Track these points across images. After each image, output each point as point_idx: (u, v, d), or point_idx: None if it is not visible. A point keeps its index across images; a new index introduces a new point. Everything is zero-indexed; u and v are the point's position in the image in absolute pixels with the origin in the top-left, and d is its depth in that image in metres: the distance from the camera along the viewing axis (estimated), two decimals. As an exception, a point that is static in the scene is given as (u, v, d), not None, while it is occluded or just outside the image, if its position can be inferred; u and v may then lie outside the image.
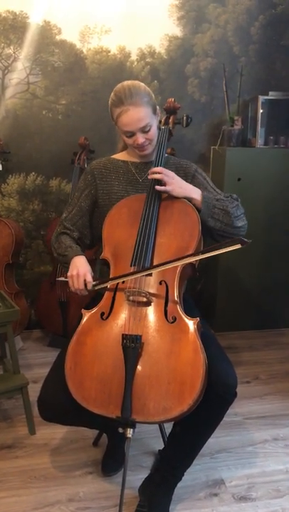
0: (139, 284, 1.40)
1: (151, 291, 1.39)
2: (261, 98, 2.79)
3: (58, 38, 2.70)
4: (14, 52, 2.67)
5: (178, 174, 1.59)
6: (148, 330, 1.34)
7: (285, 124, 2.88)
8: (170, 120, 1.71)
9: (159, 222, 1.49)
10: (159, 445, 1.79)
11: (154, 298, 1.39)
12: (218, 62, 2.87)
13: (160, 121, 1.68)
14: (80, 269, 1.48)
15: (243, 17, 2.85)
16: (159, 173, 1.50)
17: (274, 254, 2.93)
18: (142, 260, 1.41)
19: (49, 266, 2.97)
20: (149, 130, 1.53)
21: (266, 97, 2.81)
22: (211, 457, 1.85)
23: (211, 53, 2.86)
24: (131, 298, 1.39)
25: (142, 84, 1.55)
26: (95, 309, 1.43)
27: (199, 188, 1.58)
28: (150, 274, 1.41)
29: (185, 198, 1.52)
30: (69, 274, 1.49)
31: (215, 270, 2.95)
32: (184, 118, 1.71)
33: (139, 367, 1.30)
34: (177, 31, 2.81)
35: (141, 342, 1.32)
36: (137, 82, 1.54)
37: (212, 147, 2.97)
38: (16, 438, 1.96)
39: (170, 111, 1.74)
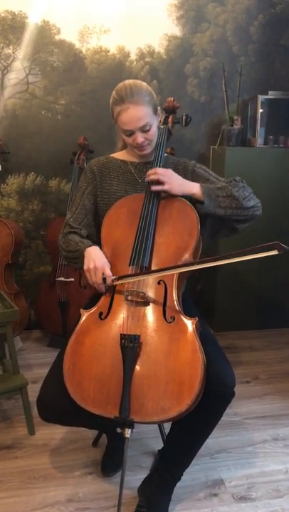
0: (137, 283, 1.40)
1: (150, 291, 1.39)
2: (261, 97, 2.79)
3: (57, 37, 2.70)
4: (13, 52, 2.67)
5: (177, 172, 1.59)
6: (146, 330, 1.34)
7: (284, 123, 2.87)
8: (169, 119, 1.70)
9: (158, 222, 1.49)
10: (159, 445, 1.78)
11: (152, 298, 1.38)
12: (217, 62, 2.87)
13: (159, 121, 1.67)
14: (96, 262, 1.41)
15: (243, 16, 2.85)
16: (155, 173, 1.49)
17: (274, 254, 2.92)
18: (141, 260, 1.41)
19: (49, 266, 2.97)
20: (148, 130, 1.52)
21: (266, 97, 2.81)
22: (210, 457, 1.84)
23: (210, 53, 2.86)
24: (129, 298, 1.39)
25: (144, 83, 1.54)
26: (93, 309, 1.43)
27: (202, 180, 1.58)
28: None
29: (185, 194, 1.51)
30: (85, 267, 1.43)
31: (215, 270, 2.95)
32: (184, 117, 1.71)
33: (137, 367, 1.30)
34: (176, 31, 2.81)
35: (139, 342, 1.31)
36: (138, 81, 1.53)
37: (212, 147, 2.97)
38: (16, 438, 1.96)
39: (169, 110, 1.73)
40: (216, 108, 2.94)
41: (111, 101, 1.52)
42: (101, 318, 1.40)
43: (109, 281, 1.41)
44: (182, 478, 1.59)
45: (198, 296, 3.09)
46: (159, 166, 1.56)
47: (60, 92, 2.77)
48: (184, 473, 1.58)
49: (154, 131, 1.55)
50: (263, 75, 2.95)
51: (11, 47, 2.67)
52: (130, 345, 1.30)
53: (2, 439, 1.96)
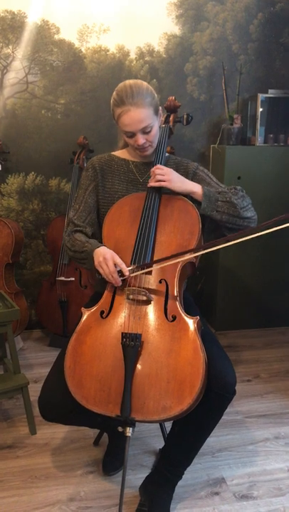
0: (138, 282, 1.40)
1: (151, 289, 1.39)
2: (260, 96, 2.79)
3: (56, 37, 2.70)
4: (13, 52, 2.67)
5: (179, 172, 1.58)
6: (148, 328, 1.34)
7: (284, 121, 2.88)
8: (170, 119, 1.70)
9: (159, 220, 1.49)
10: (160, 444, 1.79)
11: (153, 296, 1.38)
12: (217, 61, 2.87)
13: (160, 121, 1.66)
14: (106, 254, 1.40)
15: (242, 15, 2.85)
16: (158, 168, 1.50)
17: (274, 253, 2.92)
18: (142, 258, 1.41)
19: (49, 266, 2.97)
20: (150, 131, 1.50)
21: (265, 95, 2.81)
22: (212, 456, 1.84)
23: (210, 51, 2.86)
24: (131, 296, 1.39)
25: (145, 83, 1.50)
26: (94, 308, 1.43)
27: (203, 184, 1.58)
28: (150, 273, 1.41)
29: (185, 192, 1.52)
30: (96, 263, 1.42)
31: (215, 269, 2.95)
32: (185, 116, 1.70)
33: (138, 365, 1.30)
34: (176, 30, 2.81)
35: (140, 341, 1.31)
36: (139, 82, 1.50)
37: (211, 146, 2.97)
38: (17, 438, 1.96)
39: (170, 109, 1.73)
40: (215, 107, 2.94)
41: (112, 102, 1.50)
42: (102, 317, 1.40)
43: (124, 269, 1.38)
44: (184, 476, 1.59)
45: (199, 294, 3.09)
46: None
47: (60, 91, 2.77)
48: (186, 471, 1.58)
49: (155, 132, 1.53)
50: (262, 73, 2.95)
51: (10, 46, 2.66)
52: (131, 344, 1.30)
53: (3, 438, 1.96)
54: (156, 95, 1.52)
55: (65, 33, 2.70)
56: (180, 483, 1.60)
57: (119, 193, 1.61)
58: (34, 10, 2.63)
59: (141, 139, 1.50)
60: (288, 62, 2.97)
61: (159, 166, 1.53)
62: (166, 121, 1.70)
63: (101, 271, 1.41)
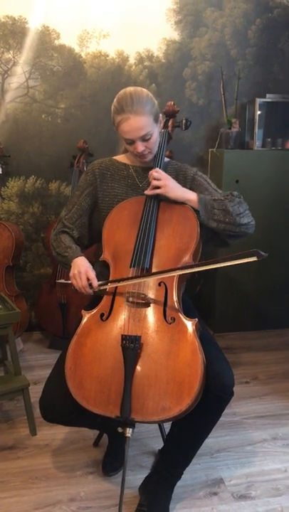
0: (138, 285, 1.42)
1: (151, 292, 1.41)
2: (259, 100, 2.82)
3: (56, 42, 2.73)
4: (14, 57, 2.70)
5: (178, 178, 1.61)
6: (147, 331, 1.36)
7: (282, 126, 2.90)
8: (169, 123, 1.72)
9: (159, 225, 1.51)
10: (159, 445, 1.80)
11: (153, 299, 1.41)
12: (215, 66, 2.90)
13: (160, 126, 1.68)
14: (81, 268, 1.50)
15: (240, 21, 2.88)
16: (156, 172, 1.53)
17: (272, 256, 2.93)
18: (142, 262, 1.43)
19: (49, 268, 2.99)
20: (149, 138, 1.52)
21: (263, 100, 2.84)
22: (210, 457, 1.86)
23: (208, 57, 2.89)
24: (130, 299, 1.41)
25: (145, 91, 1.51)
26: (94, 310, 1.45)
27: (200, 189, 1.60)
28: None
29: (181, 200, 1.53)
30: (71, 274, 1.52)
31: (214, 271, 2.97)
32: (184, 121, 1.72)
33: (138, 367, 1.32)
34: (175, 35, 2.84)
35: (140, 343, 1.33)
36: (139, 89, 1.50)
37: (210, 150, 2.99)
38: (18, 439, 1.98)
39: (169, 114, 1.75)
40: (214, 111, 2.97)
41: (112, 109, 1.51)
42: (102, 320, 1.42)
43: (94, 282, 1.47)
44: (182, 477, 1.61)
45: (197, 297, 3.11)
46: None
47: (60, 96, 2.80)
48: (184, 472, 1.60)
49: (154, 139, 1.54)
50: (260, 78, 2.98)
51: (11, 51, 2.69)
52: (131, 346, 1.32)
53: (4, 439, 1.97)
54: (156, 103, 1.53)
55: (66, 39, 2.73)
56: (179, 483, 1.62)
57: (118, 196, 1.63)
58: (35, 16, 2.66)
59: (140, 147, 1.52)
60: (286, 67, 3.00)
61: (157, 169, 1.54)
62: (165, 126, 1.71)
63: (74, 282, 1.51)
